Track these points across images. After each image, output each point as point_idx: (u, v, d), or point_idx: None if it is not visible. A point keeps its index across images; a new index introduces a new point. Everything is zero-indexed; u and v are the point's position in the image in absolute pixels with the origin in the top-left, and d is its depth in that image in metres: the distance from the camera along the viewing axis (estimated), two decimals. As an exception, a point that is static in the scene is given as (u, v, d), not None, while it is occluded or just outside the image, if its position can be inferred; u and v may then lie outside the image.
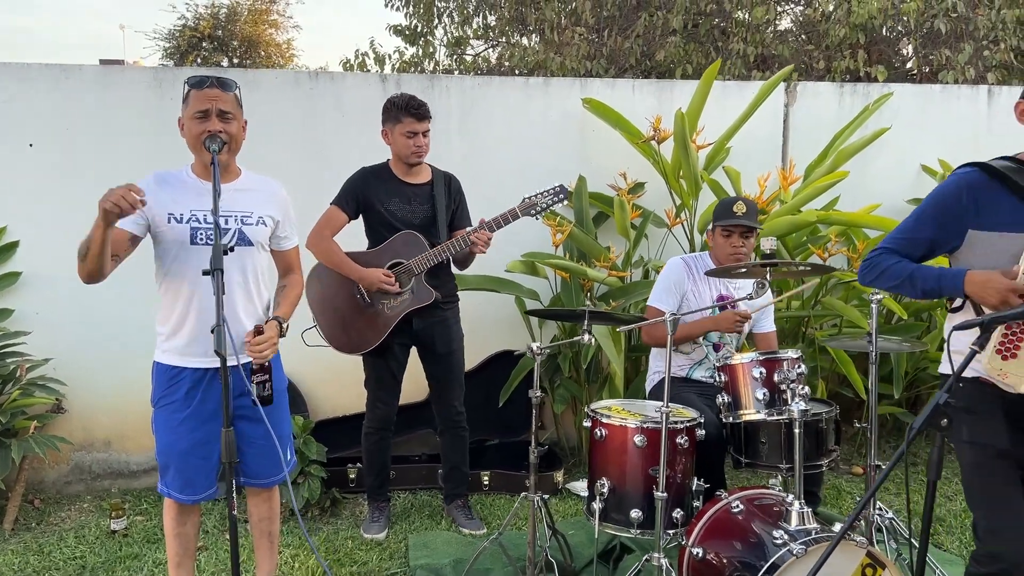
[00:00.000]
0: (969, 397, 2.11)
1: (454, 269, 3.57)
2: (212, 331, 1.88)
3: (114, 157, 3.95)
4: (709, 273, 2.79)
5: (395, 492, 3.99)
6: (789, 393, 2.55)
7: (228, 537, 3.46)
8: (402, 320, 3.36)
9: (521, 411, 4.37)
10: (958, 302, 2.16)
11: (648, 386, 3.44)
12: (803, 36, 8.97)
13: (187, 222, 2.39)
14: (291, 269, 2.72)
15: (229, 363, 2.27)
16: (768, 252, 2.58)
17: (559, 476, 4.04)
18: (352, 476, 3.97)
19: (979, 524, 2.04)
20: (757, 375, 2.58)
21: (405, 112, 3.27)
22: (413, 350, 3.54)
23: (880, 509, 2.91)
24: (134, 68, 3.97)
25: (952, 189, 2.10)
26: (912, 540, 3.08)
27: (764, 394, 2.57)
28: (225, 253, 2.06)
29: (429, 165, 3.47)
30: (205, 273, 2.04)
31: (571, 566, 3.17)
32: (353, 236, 3.44)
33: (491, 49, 11.18)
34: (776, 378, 2.57)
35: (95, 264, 2.24)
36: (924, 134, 4.82)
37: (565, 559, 3.18)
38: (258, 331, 2.49)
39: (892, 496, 4.00)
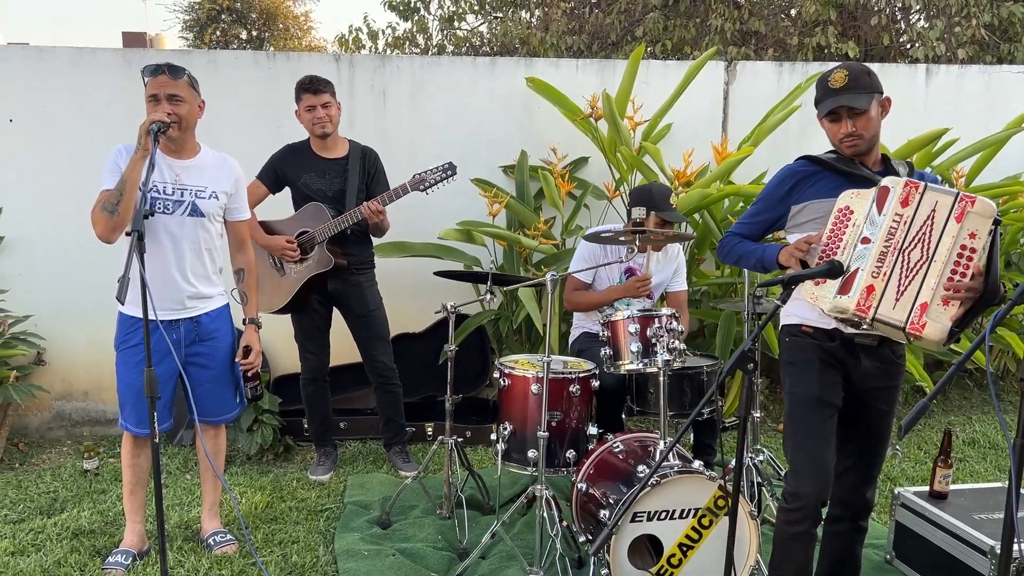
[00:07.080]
0: (790, 349, 2.43)
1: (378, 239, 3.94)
2: (118, 281, 2.21)
3: (87, 132, 4.29)
4: (586, 237, 3.09)
5: (346, 441, 4.35)
6: (659, 346, 2.85)
7: (187, 477, 3.86)
8: (317, 282, 3.70)
9: (469, 370, 4.73)
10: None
11: (570, 341, 3.77)
12: (782, 14, 9.11)
13: (147, 193, 2.75)
14: (243, 244, 3.08)
15: (181, 316, 2.88)
16: (638, 221, 2.88)
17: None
18: (306, 427, 4.33)
19: (789, 465, 2.34)
20: (632, 330, 2.89)
21: (302, 90, 3.61)
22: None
23: (755, 451, 3.24)
24: (105, 51, 4.29)
25: (778, 177, 2.45)
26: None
27: (638, 347, 2.87)
28: (145, 217, 2.40)
29: (348, 140, 3.78)
30: (127, 234, 2.37)
31: (488, 504, 3.52)
32: (279, 207, 3.82)
33: (484, 24, 11.38)
34: (648, 332, 2.87)
35: (127, 206, 2.62)
36: (860, 111, 5.02)
37: (483, 498, 3.53)
38: (247, 349, 2.99)
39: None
